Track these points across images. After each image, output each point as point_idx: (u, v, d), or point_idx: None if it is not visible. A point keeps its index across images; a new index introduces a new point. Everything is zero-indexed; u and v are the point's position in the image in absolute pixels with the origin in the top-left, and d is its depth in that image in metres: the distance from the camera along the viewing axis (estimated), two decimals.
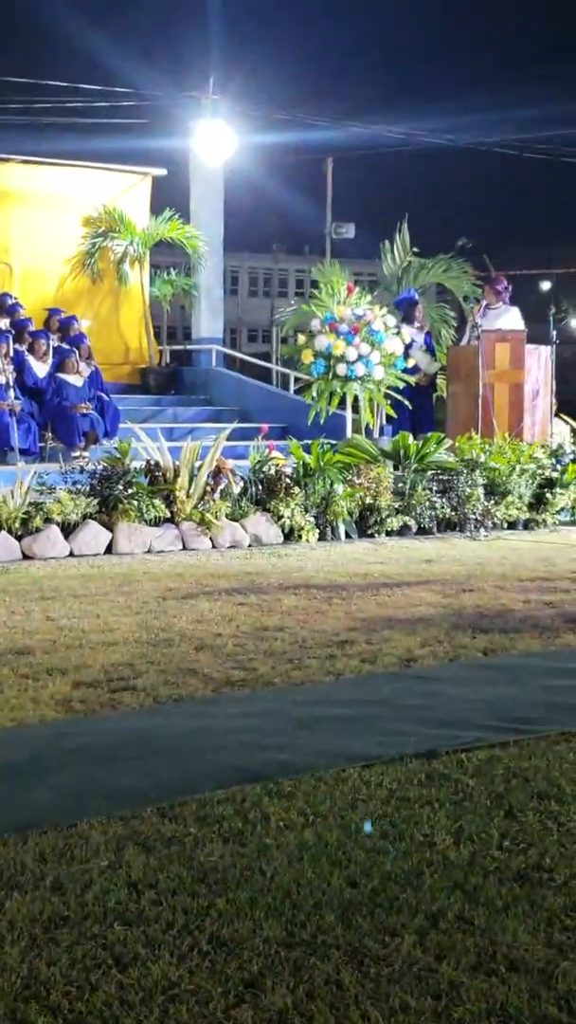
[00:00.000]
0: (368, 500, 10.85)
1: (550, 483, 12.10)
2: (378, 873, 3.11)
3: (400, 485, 11.18)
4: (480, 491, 11.46)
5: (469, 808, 3.61)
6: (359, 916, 2.87)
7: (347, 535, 10.69)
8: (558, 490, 12.04)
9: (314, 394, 13.09)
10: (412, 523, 11.05)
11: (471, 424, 12.87)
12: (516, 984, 2.55)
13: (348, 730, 4.45)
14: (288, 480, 10.63)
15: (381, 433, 13.43)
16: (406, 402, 13.36)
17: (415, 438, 12.18)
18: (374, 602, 7.29)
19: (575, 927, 2.82)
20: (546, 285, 43.20)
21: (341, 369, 12.65)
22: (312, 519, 10.53)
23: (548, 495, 11.98)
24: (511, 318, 13.90)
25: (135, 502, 9.80)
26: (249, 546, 10.13)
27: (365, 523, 10.88)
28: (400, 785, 3.82)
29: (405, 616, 6.81)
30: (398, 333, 13.17)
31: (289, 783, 3.83)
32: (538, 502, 12.00)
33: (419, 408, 14.10)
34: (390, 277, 16.80)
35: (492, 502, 11.57)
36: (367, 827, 3.23)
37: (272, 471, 10.71)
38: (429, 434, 12.16)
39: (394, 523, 10.93)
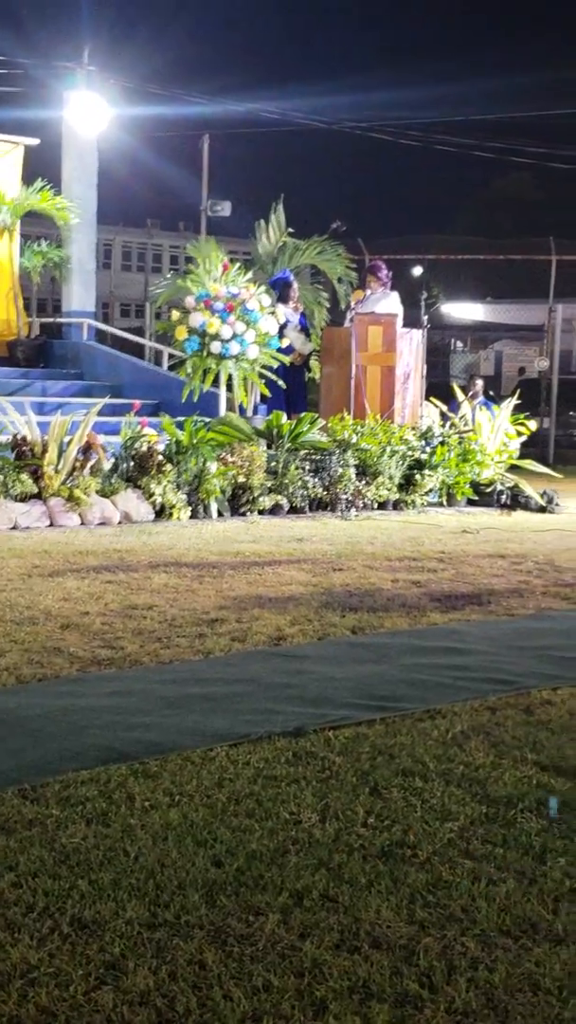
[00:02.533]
0: (241, 479, 10.83)
1: (419, 465, 12.27)
2: (243, 852, 3.10)
3: (273, 464, 11.19)
4: (352, 471, 11.55)
5: (335, 786, 3.62)
6: (223, 896, 2.85)
7: (219, 513, 10.66)
8: (427, 472, 12.22)
9: (188, 371, 13.00)
10: (284, 502, 11.07)
11: (344, 405, 12.95)
12: (378, 961, 2.57)
13: (216, 709, 4.43)
14: (160, 457, 10.55)
15: (255, 412, 13.41)
16: (280, 381, 13.37)
17: (289, 418, 12.20)
18: (245, 580, 7.28)
19: (437, 903, 2.85)
20: (418, 271, 43.72)
21: (215, 347, 12.59)
22: (184, 497, 10.46)
23: (417, 476, 12.14)
24: (390, 303, 14.00)
25: (0, 477, 9.60)
26: (119, 523, 10.02)
27: (237, 501, 10.87)
28: (267, 764, 3.81)
29: (275, 595, 6.82)
30: (273, 312, 13.15)
31: (155, 763, 3.79)
32: (407, 483, 12.15)
33: (293, 388, 14.12)
34: (265, 257, 16.79)
35: (363, 482, 11.67)
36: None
37: (144, 448, 10.61)
38: (302, 414, 12.20)
39: (266, 502, 10.94)
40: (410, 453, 12.23)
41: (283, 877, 2.96)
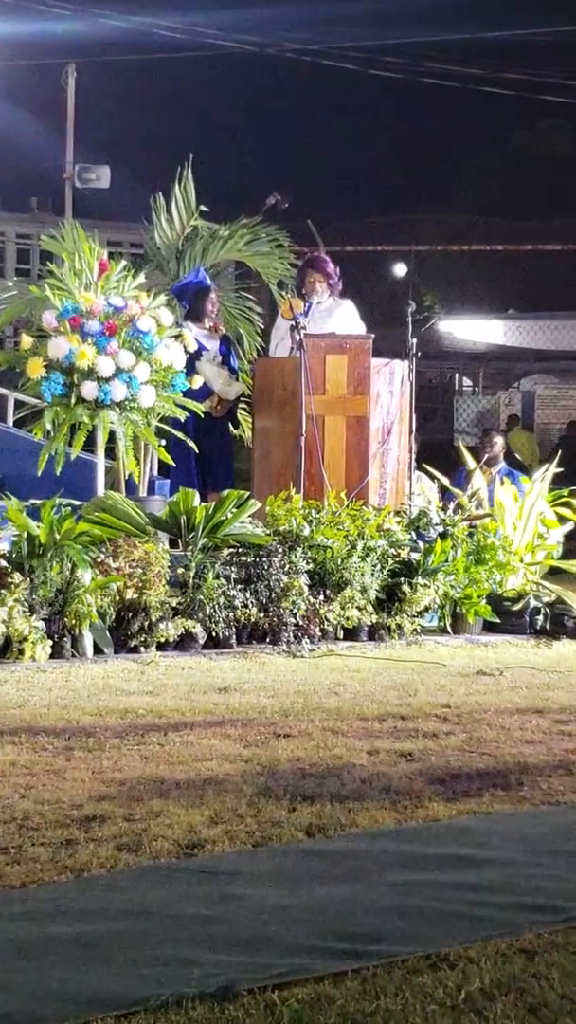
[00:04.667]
0: (130, 594, 10.83)
1: (408, 570, 12.29)
2: None
3: (181, 571, 11.20)
4: (303, 581, 11.57)
5: None
6: None
7: (97, 649, 10.64)
8: (420, 580, 12.22)
9: (47, 428, 13.01)
10: (199, 630, 11.07)
11: (289, 478, 12.99)
12: None
13: (96, 958, 4.41)
14: (4, 562, 10.53)
15: (151, 490, 13.43)
16: (190, 442, 13.42)
17: (204, 498, 12.23)
18: (138, 755, 7.27)
19: None
20: (401, 270, 44.28)
21: (89, 389, 12.61)
22: (41, 624, 10.44)
23: (405, 588, 12.16)
24: (343, 316, 14.14)
25: None
26: None
27: (126, 630, 10.85)
28: None
29: (186, 776, 6.81)
30: (179, 336, 13.23)
31: None
32: (390, 598, 12.17)
33: (211, 452, 14.17)
34: (166, 250, 16.93)
35: (321, 598, 11.69)
36: None
37: None
38: (225, 492, 12.23)
39: (171, 630, 10.93)
40: (394, 552, 12.29)
41: None
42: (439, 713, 8.67)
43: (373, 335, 13.97)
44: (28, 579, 10.54)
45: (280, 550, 11.67)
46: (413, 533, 12.67)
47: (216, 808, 6.23)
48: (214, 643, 11.18)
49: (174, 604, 11.08)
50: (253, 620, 11.39)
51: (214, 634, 11.19)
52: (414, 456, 14.11)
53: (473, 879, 5.31)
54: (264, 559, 11.59)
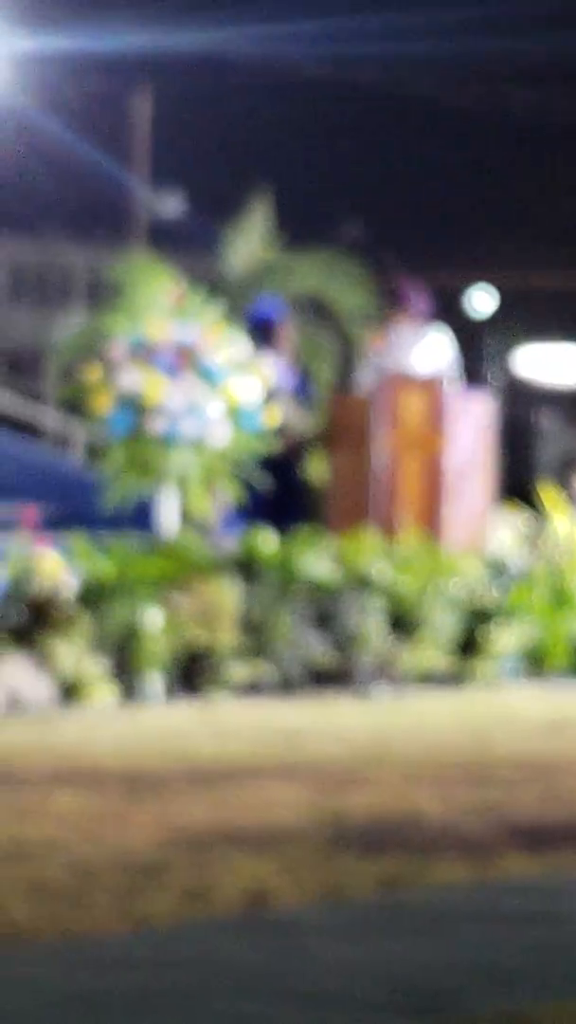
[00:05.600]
0: (199, 636, 10.84)
1: (485, 613, 12.26)
2: None
3: (251, 613, 11.20)
4: (377, 623, 11.55)
5: None
6: None
7: (164, 692, 10.65)
8: (498, 624, 12.19)
9: (117, 463, 12.99)
10: (269, 673, 11.06)
11: (362, 516, 12.95)
12: None
13: (158, 1011, 4.40)
14: (69, 602, 10.56)
15: (222, 529, 13.41)
16: (262, 479, 13.38)
17: (275, 537, 12.22)
18: (204, 802, 7.28)
19: None
20: (481, 303, 44.11)
21: (159, 425, 12.57)
22: (108, 665, 10.46)
23: (483, 631, 12.13)
24: (429, 347, 14.08)
25: None
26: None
27: (194, 674, 10.86)
28: None
29: (253, 825, 6.82)
30: (252, 369, 13.17)
31: None
32: (467, 642, 12.13)
33: (283, 489, 14.13)
34: (240, 281, 16.96)
35: (396, 641, 11.66)
36: None
37: (44, 586, 10.63)
38: (297, 531, 12.20)
39: (240, 674, 10.94)
40: (471, 594, 12.24)
41: None
42: (518, 762, 8.63)
43: (452, 371, 13.93)
44: (95, 620, 10.56)
45: (353, 591, 11.66)
46: (491, 575, 12.63)
47: (284, 858, 6.21)
48: (285, 686, 11.17)
49: (244, 646, 11.08)
50: (325, 663, 11.38)
51: (286, 677, 11.18)
52: (492, 495, 14.08)
53: (552, 936, 5.27)
54: (337, 600, 11.58)
